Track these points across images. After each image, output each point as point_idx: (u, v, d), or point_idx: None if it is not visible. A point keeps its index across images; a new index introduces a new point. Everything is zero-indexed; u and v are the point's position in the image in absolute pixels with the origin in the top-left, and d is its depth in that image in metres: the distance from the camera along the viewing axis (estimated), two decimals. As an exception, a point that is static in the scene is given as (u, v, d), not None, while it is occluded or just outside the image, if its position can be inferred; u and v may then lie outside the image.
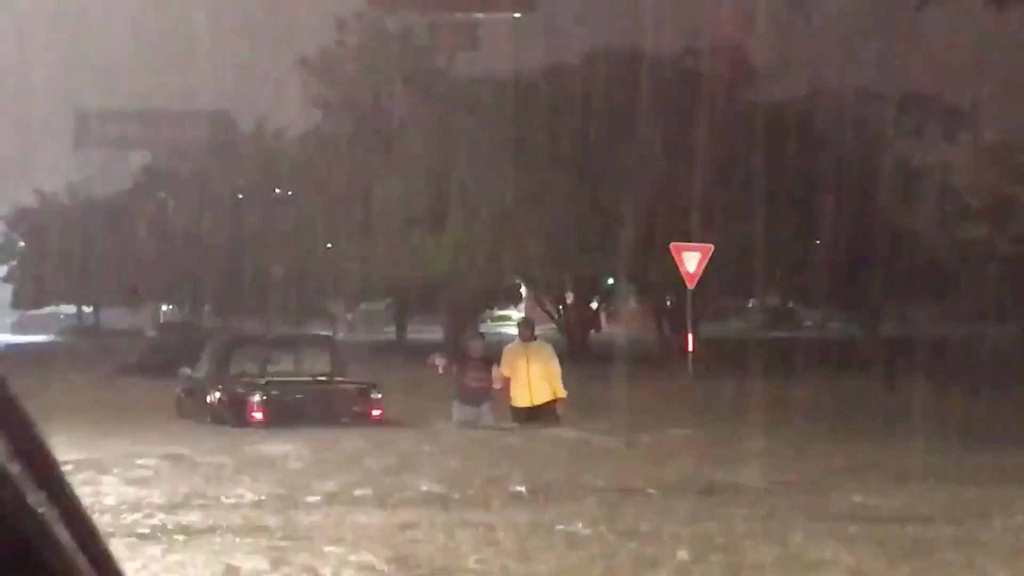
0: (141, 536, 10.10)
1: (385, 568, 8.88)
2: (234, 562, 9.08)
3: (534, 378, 18.18)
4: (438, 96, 47.03)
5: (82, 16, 70.61)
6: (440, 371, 18.86)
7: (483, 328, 36.62)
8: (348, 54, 52.39)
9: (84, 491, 11.31)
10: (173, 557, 9.32)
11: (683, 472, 14.12)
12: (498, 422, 18.32)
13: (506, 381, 18.32)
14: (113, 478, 13.44)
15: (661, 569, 8.85)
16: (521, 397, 18.29)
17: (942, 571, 8.87)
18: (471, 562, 9.07)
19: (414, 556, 9.26)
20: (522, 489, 12.58)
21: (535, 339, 19.04)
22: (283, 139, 55.26)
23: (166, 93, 69.49)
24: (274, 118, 55.73)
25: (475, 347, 18.93)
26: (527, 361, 18.26)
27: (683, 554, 9.25)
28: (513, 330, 23.23)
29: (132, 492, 12.46)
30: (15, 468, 1.13)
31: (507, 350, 18.70)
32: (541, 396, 18.19)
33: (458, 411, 18.64)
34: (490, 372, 18.34)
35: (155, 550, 9.55)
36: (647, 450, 16.44)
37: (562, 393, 18.29)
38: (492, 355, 18.75)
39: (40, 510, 1.14)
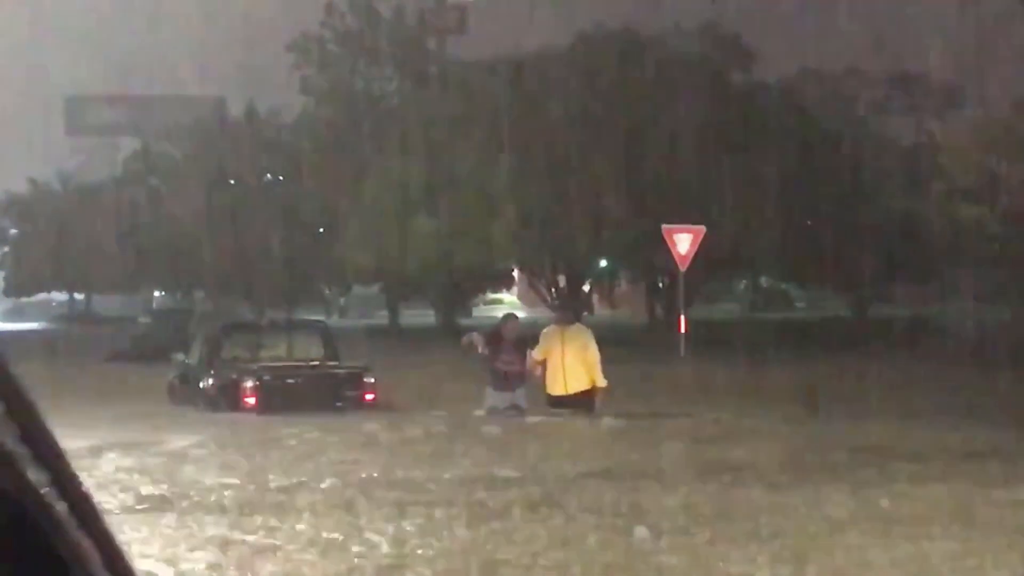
0: (137, 518, 10.13)
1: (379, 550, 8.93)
2: (225, 540, 9.13)
3: (569, 365, 17.05)
4: (429, 79, 47.02)
5: (72, 3, 70.45)
6: (479, 350, 17.61)
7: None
8: (338, 38, 52.32)
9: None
10: (167, 537, 9.36)
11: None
12: (531, 408, 17.33)
13: (540, 366, 17.29)
14: (105, 463, 13.47)
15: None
16: (555, 384, 17.20)
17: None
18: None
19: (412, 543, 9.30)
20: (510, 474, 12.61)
21: (574, 323, 17.95)
22: (275, 124, 55.16)
23: (157, 78, 69.36)
24: (266, 103, 55.65)
25: (508, 329, 17.81)
26: (562, 346, 17.12)
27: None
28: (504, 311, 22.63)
29: (124, 477, 12.50)
30: (16, 446, 1.16)
31: (544, 333, 17.64)
32: (576, 384, 17.05)
33: (491, 397, 17.56)
34: (523, 356, 17.30)
35: (149, 532, 9.59)
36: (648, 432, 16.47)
37: (602, 383, 17.07)
38: (527, 338, 17.86)
39: (43, 490, 1.17)
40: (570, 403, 17.13)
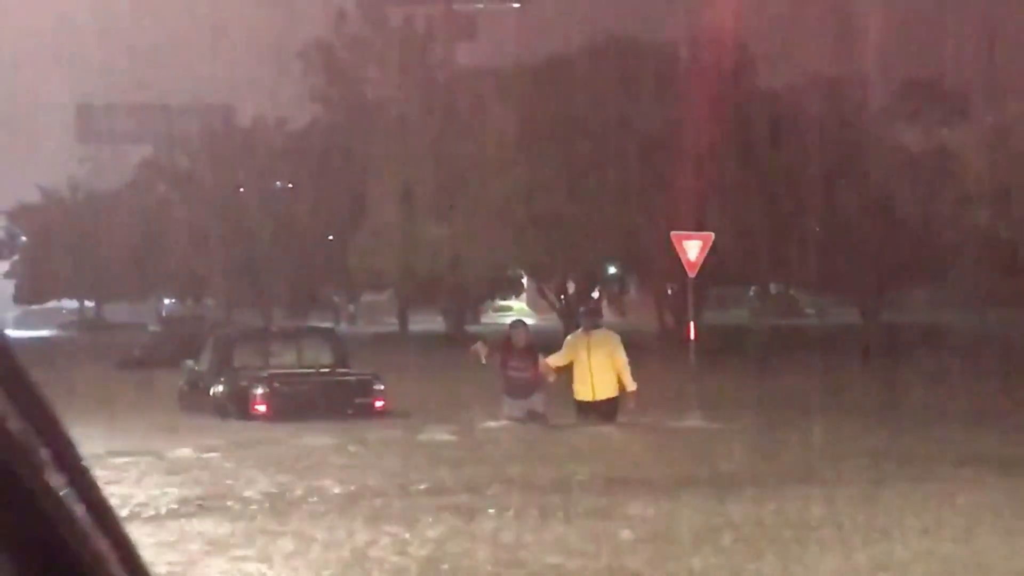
0: (147, 522, 10.15)
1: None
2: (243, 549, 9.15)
3: (596, 370, 16.96)
4: (437, 87, 47.05)
5: (81, 11, 70.59)
6: (483, 361, 17.68)
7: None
8: (347, 46, 52.42)
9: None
10: (176, 542, 9.39)
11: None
12: (551, 414, 17.27)
13: (558, 371, 17.22)
14: (116, 469, 13.49)
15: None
16: (583, 391, 17.11)
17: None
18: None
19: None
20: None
21: (598, 328, 17.81)
22: (283, 131, 55.27)
23: (166, 87, 69.49)
24: (274, 110, 55.77)
25: (518, 336, 17.80)
26: (588, 352, 17.05)
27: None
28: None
29: (135, 483, 12.53)
30: (37, 450, 1.17)
31: (568, 340, 17.69)
32: (604, 390, 16.99)
33: (507, 406, 17.47)
34: (535, 362, 17.33)
35: (159, 537, 9.61)
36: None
37: (632, 386, 17.01)
38: (536, 344, 17.89)
39: (62, 492, 1.19)
40: (598, 409, 17.03)
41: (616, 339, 17.52)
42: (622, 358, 17.18)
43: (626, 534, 9.73)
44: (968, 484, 12.08)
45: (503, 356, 17.65)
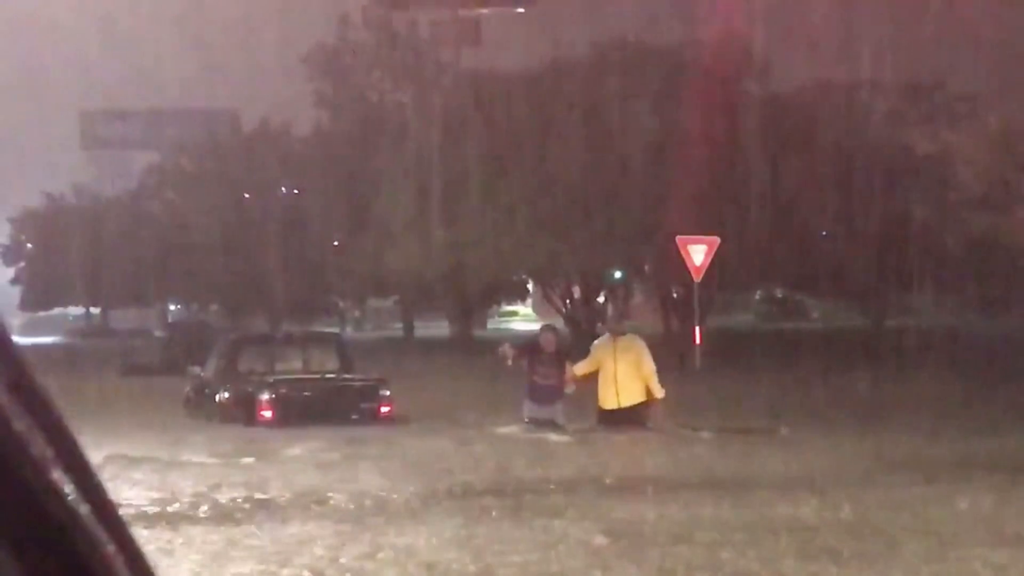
0: (153, 528, 10.15)
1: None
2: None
3: (621, 377, 16.68)
4: (442, 91, 47.06)
5: (85, 18, 70.74)
6: (508, 363, 17.49)
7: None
8: (352, 51, 52.46)
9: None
10: (180, 547, 9.38)
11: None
12: (569, 424, 17.04)
13: (583, 380, 17.03)
14: (121, 474, 13.48)
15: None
16: (608, 399, 16.84)
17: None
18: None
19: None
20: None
21: (625, 334, 17.51)
22: (289, 137, 55.27)
23: (171, 93, 69.58)
24: (280, 116, 55.77)
25: (547, 340, 17.56)
26: (614, 358, 16.77)
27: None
28: (520, 325, 22.43)
29: (143, 487, 12.53)
30: (43, 451, 1.17)
31: (595, 345, 17.45)
32: (630, 397, 16.74)
33: (529, 410, 17.28)
34: (562, 369, 17.08)
35: (166, 543, 9.60)
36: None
37: (660, 393, 16.75)
38: (565, 350, 17.66)
39: (67, 494, 1.18)
40: (623, 417, 16.76)
41: (642, 345, 17.27)
42: (649, 365, 16.92)
43: (636, 538, 9.72)
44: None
45: (530, 361, 17.41)
